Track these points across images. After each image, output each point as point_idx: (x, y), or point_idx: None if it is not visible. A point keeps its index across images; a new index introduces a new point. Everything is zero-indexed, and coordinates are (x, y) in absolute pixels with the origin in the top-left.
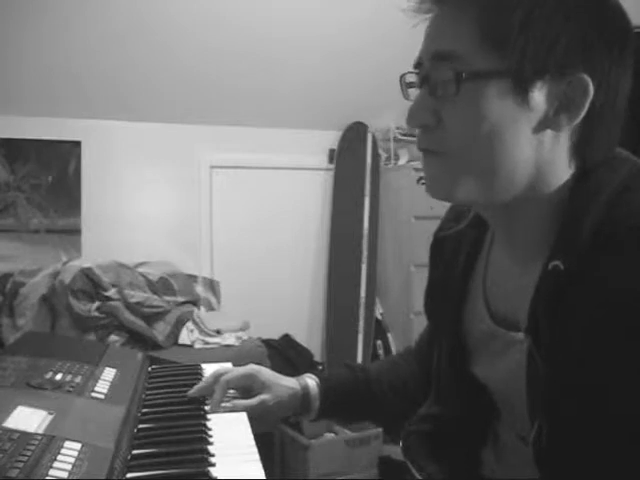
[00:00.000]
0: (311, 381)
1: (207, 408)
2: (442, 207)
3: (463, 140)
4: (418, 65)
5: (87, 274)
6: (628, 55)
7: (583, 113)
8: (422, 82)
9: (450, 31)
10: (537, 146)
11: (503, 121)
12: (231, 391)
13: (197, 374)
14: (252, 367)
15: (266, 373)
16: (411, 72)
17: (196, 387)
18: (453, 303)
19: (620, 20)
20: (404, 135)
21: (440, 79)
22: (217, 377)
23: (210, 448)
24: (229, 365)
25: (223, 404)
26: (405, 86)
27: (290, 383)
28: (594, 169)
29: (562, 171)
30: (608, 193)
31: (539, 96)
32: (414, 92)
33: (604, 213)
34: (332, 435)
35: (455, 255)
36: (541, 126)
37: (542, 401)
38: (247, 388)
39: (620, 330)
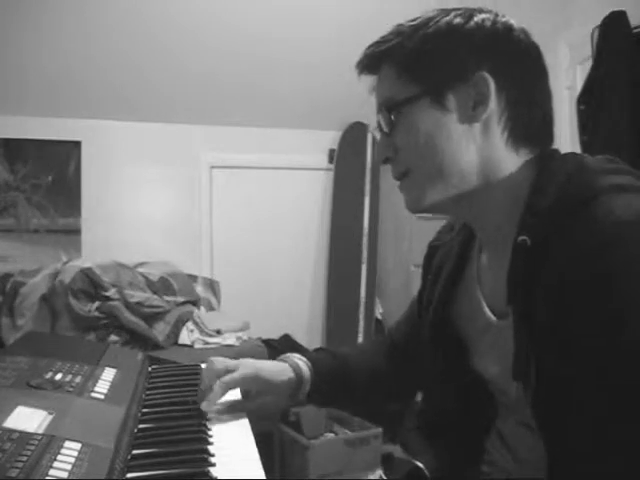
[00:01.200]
0: (303, 364)
1: (203, 405)
2: None
3: (413, 155)
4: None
5: (87, 274)
6: (524, 49)
7: (492, 101)
8: (379, 128)
9: (381, 86)
10: (471, 138)
11: (434, 129)
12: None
13: (197, 374)
14: (251, 366)
15: (265, 373)
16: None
17: (206, 400)
18: (442, 300)
19: (492, 27)
20: None
21: (384, 121)
22: (216, 377)
23: (210, 448)
24: (224, 359)
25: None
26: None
27: (285, 374)
28: (548, 163)
29: (506, 156)
30: (562, 177)
31: (454, 100)
32: None
33: (560, 193)
34: (332, 435)
35: (445, 259)
36: (465, 121)
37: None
38: (246, 390)
39: (578, 303)
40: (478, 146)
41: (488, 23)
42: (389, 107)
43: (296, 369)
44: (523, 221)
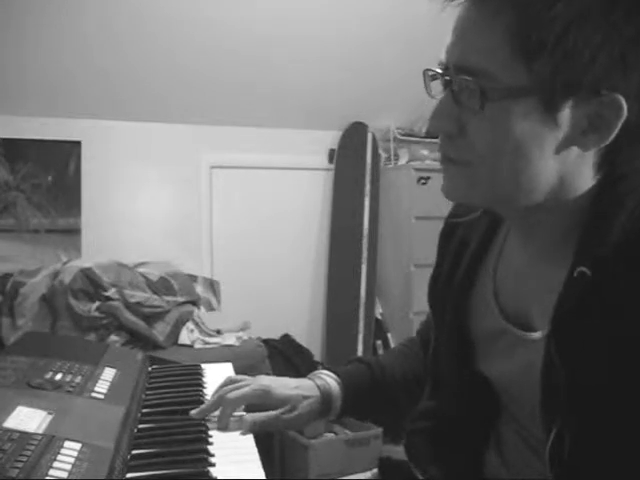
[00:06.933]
0: (331, 380)
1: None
2: (443, 208)
3: (485, 154)
4: (444, 67)
5: (87, 274)
6: None
7: (614, 135)
8: (446, 86)
9: (478, 42)
10: (561, 161)
11: (528, 138)
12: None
13: (197, 374)
14: (262, 385)
15: (275, 388)
16: (433, 71)
17: (201, 409)
18: (458, 294)
19: None
20: (404, 135)
21: (465, 90)
22: (224, 395)
23: (210, 448)
24: (234, 375)
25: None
26: (429, 79)
27: (305, 391)
28: (623, 173)
29: (586, 180)
30: (638, 199)
31: (568, 114)
32: (436, 86)
33: (633, 219)
34: (332, 435)
35: (464, 245)
36: (567, 144)
37: (561, 409)
38: (258, 405)
39: None
40: (564, 169)
41: None
42: (481, 86)
43: (323, 386)
44: (583, 249)
